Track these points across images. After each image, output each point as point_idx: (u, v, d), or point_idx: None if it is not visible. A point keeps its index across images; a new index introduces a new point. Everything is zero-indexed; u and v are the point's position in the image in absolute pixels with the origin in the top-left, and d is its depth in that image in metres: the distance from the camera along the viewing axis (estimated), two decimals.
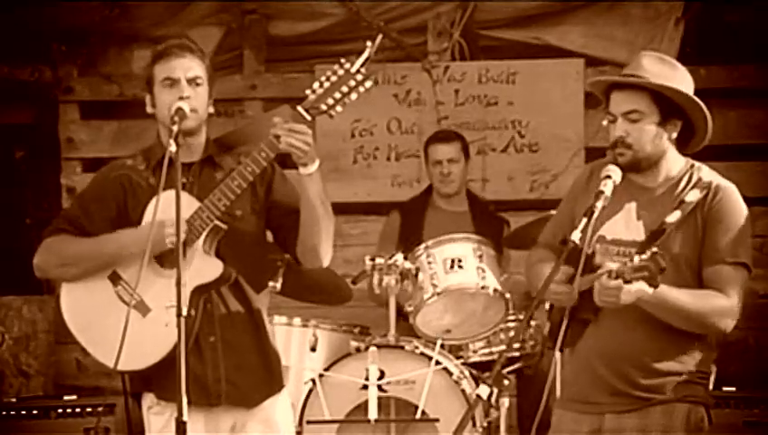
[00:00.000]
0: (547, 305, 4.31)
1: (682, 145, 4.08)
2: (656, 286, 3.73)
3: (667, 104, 3.99)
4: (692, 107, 4.02)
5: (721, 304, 3.92)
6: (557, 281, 3.91)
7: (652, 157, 4.01)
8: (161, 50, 4.18)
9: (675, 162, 4.07)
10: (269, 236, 4.30)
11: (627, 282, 3.73)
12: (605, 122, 4.05)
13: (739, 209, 4.02)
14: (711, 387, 4.18)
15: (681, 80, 4.04)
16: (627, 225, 4.04)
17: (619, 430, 3.99)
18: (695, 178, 4.04)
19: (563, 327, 3.89)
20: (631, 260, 3.75)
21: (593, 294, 3.86)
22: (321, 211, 4.09)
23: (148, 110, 4.19)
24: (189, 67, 4.12)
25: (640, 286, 3.73)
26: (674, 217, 3.96)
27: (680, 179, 4.06)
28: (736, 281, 3.96)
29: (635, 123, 3.97)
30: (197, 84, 4.12)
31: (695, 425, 4.01)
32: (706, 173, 4.07)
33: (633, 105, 3.97)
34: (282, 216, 4.20)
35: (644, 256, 3.71)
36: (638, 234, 4.00)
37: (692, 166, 4.09)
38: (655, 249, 3.72)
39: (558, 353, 4.29)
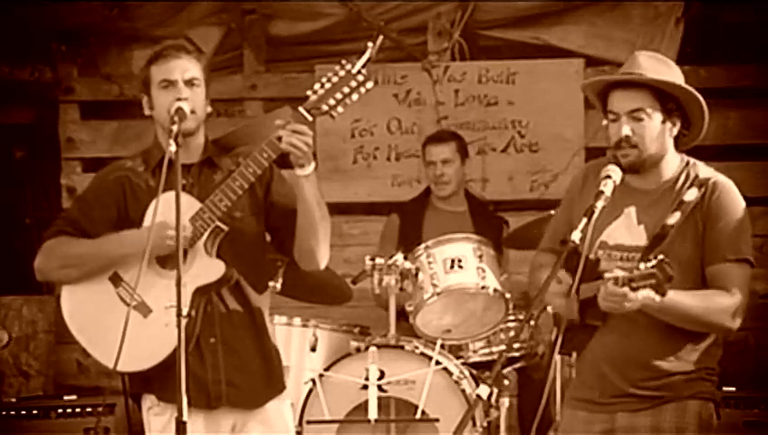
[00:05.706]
0: (550, 309, 4.29)
1: (675, 142, 4.04)
2: (663, 295, 3.70)
3: (667, 101, 3.96)
4: (691, 103, 3.99)
5: (727, 303, 3.89)
6: (558, 293, 3.89)
7: (655, 156, 3.98)
8: (157, 51, 4.17)
9: (672, 161, 4.04)
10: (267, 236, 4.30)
11: (633, 289, 3.71)
12: (605, 122, 4.01)
13: (737, 204, 3.99)
14: None
15: (677, 76, 4.03)
16: (629, 230, 4.00)
17: (631, 429, 3.96)
18: (692, 176, 4.01)
19: (562, 331, 3.87)
20: (637, 267, 3.72)
21: (598, 301, 3.84)
22: (318, 212, 4.09)
23: (146, 112, 4.19)
24: (186, 68, 4.12)
25: (647, 294, 3.70)
26: (674, 218, 3.93)
27: (677, 178, 4.02)
28: (740, 278, 3.93)
29: (640, 122, 3.93)
30: (194, 85, 4.11)
31: (706, 421, 3.99)
32: (703, 170, 4.04)
33: (638, 103, 3.94)
34: (280, 217, 4.19)
35: (650, 264, 3.69)
36: (641, 238, 3.97)
37: (687, 163, 4.06)
38: (661, 256, 3.69)
39: (558, 355, 4.28)
